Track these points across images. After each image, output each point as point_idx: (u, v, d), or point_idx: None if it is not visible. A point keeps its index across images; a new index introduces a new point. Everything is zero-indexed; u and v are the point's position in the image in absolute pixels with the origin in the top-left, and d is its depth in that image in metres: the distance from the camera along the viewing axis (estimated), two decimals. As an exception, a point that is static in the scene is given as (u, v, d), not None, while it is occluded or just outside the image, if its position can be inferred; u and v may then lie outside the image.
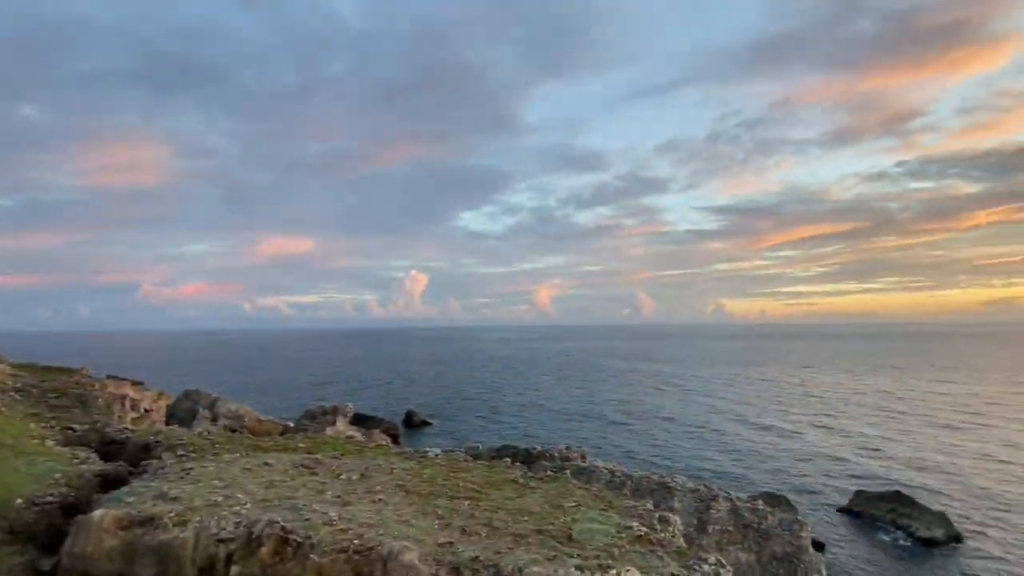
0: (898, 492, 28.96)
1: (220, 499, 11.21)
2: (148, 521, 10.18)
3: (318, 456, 16.27)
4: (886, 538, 26.43)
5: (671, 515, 12.58)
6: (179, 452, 15.23)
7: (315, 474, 14.56)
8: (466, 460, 18.23)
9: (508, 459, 20.92)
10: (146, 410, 28.84)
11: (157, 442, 16.69)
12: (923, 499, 30.15)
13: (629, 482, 20.11)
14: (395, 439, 43.19)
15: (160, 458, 14.77)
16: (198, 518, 10.20)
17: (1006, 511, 29.58)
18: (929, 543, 25.26)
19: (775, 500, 29.33)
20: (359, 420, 45.51)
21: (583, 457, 25.88)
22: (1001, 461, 39.65)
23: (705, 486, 18.75)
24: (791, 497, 31.57)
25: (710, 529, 17.24)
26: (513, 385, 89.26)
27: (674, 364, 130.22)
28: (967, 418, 56.74)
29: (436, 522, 11.44)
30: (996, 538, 26.16)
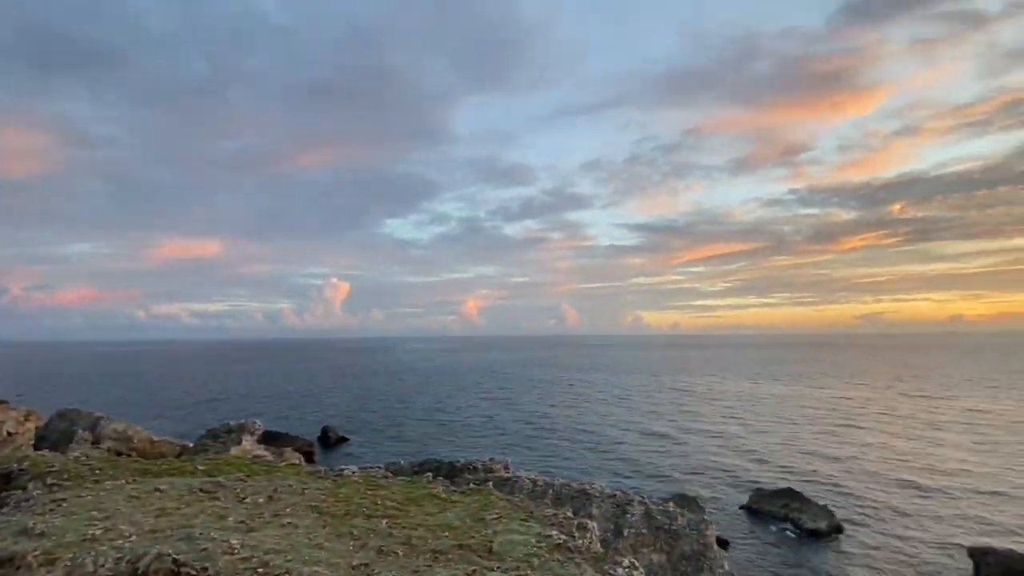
0: (790, 489, 31.79)
1: (99, 532, 9.97)
2: (8, 562, 8.82)
3: (219, 479, 15.00)
4: (779, 531, 28.85)
5: (589, 521, 12.90)
6: (49, 481, 13.39)
7: (215, 499, 13.39)
8: (386, 477, 17.61)
9: (430, 473, 20.50)
10: (9, 433, 25.11)
11: (22, 470, 14.57)
12: (811, 494, 33.31)
13: (550, 491, 20.40)
14: (309, 457, 40.85)
15: (25, 488, 12.90)
16: (70, 555, 8.99)
17: (880, 502, 33.40)
18: (814, 534, 27.92)
19: (686, 501, 31.07)
20: (269, 438, 42.59)
21: (506, 468, 25.90)
22: (876, 458, 44.79)
23: (622, 491, 19.49)
24: (700, 497, 33.67)
25: (626, 533, 17.88)
26: (437, 397, 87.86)
27: (595, 373, 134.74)
28: (847, 419, 63.59)
29: (351, 543, 10.91)
30: (872, 527, 29.41)
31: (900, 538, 27.81)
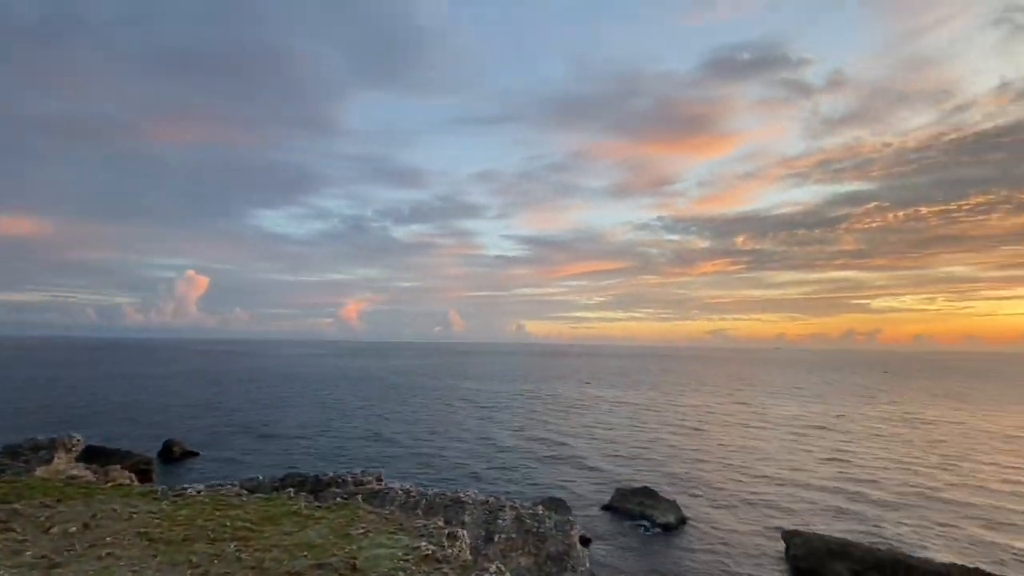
0: (646, 487, 34.77)
1: None
2: None
3: (17, 506, 12.46)
4: (635, 527, 31.37)
5: (459, 530, 12.86)
6: None
7: (10, 530, 11.08)
8: (240, 495, 15.95)
9: (292, 489, 18.99)
10: None
11: None
12: (663, 491, 36.81)
13: (424, 501, 20.02)
14: (146, 476, 35.57)
15: None
16: None
17: (718, 495, 37.92)
18: (665, 528, 30.82)
19: (554, 504, 32.44)
20: (94, 455, 36.31)
21: (378, 479, 24.91)
22: (715, 457, 50.82)
23: (495, 498, 19.79)
24: (568, 499, 35.43)
25: (496, 538, 18.13)
26: (306, 406, 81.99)
27: (477, 380, 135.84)
28: (694, 423, 71.45)
29: (189, 572, 9.66)
30: (710, 517, 33.20)
31: (732, 526, 31.77)
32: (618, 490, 35.94)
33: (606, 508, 34.48)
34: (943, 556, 26.44)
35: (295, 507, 14.46)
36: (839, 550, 23.77)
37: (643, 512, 32.51)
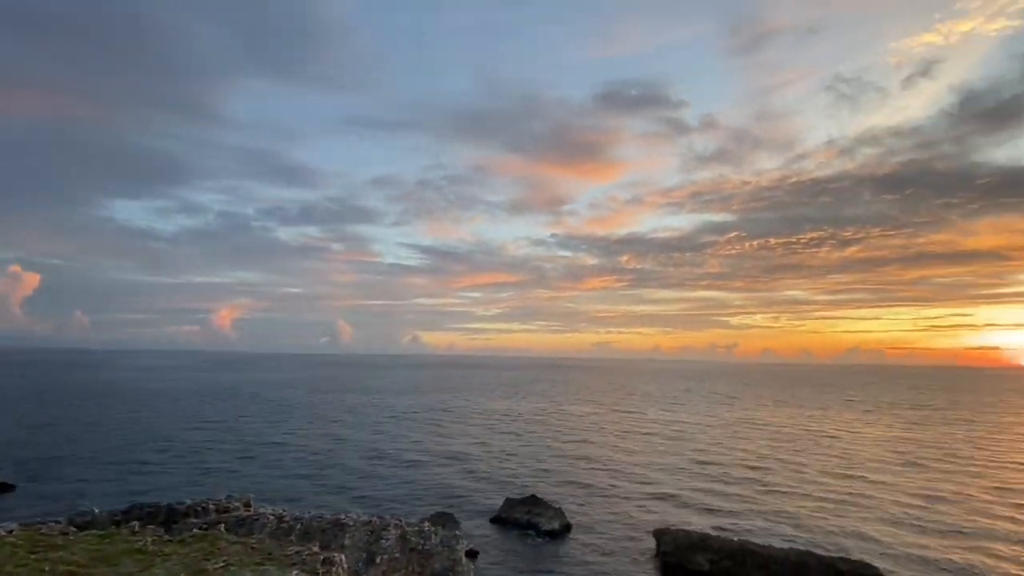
0: (533, 496, 35.55)
1: None
2: None
3: None
4: (523, 535, 31.87)
5: (337, 555, 12.06)
6: None
7: None
8: (64, 533, 13.53)
9: (138, 522, 16.56)
10: None
11: None
12: (550, 498, 37.92)
13: (299, 525, 18.52)
14: (-65, 518, 28.74)
15: None
16: None
17: (598, 499, 39.91)
18: (551, 534, 31.70)
19: (443, 519, 31.85)
20: None
21: (247, 505, 22.65)
22: (597, 462, 53.53)
23: (379, 517, 18.89)
24: (457, 513, 35.01)
25: (379, 560, 17.30)
26: (161, 425, 72.32)
27: (366, 394, 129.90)
28: (580, 431, 74.87)
29: (-16, 635, 7.93)
30: (592, 519, 34.78)
31: (612, 527, 33.58)
32: (507, 500, 36.30)
33: (495, 519, 34.63)
34: (784, 543, 30.32)
35: (139, 543, 12.59)
36: (700, 543, 26.20)
37: (530, 520, 33.14)
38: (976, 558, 29.50)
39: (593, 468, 50.50)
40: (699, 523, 33.88)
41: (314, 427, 73.51)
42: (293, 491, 40.52)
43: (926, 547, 31.24)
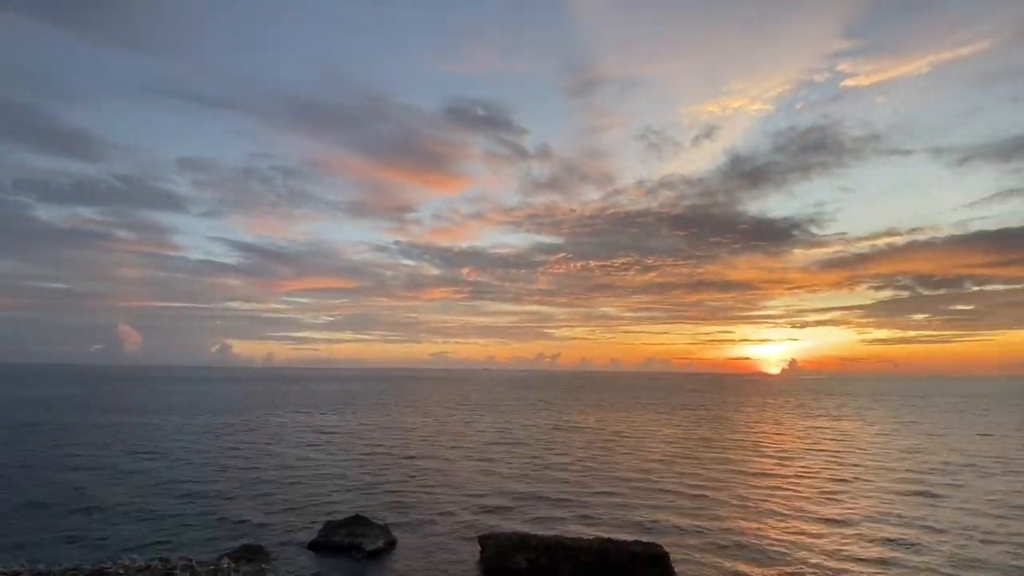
0: (357, 515, 33.84)
1: None
2: None
3: None
4: (344, 559, 30.05)
5: (97, 614, 9.93)
6: None
7: None
8: None
9: None
10: None
11: None
12: (376, 517, 36.47)
13: (45, 585, 14.78)
14: None
15: None
16: None
17: (425, 512, 39.64)
18: (373, 554, 30.47)
19: (249, 552, 28.44)
20: None
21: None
22: (431, 475, 53.20)
23: (162, 559, 16.04)
24: (268, 544, 31.51)
25: (160, 612, 14.68)
26: None
27: (153, 415, 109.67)
28: (411, 444, 73.75)
29: None
30: (419, 534, 34.34)
31: (438, 539, 33.61)
32: (327, 524, 33.94)
33: (313, 545, 32.05)
34: (591, 534, 33.74)
35: None
36: (520, 543, 27.76)
37: (352, 542, 31.45)
38: (746, 531, 36.48)
39: (422, 481, 50.09)
40: (523, 525, 35.88)
41: (74, 456, 59.38)
42: (43, 537, 32.11)
43: (706, 527, 37.55)
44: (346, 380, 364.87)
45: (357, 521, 33.23)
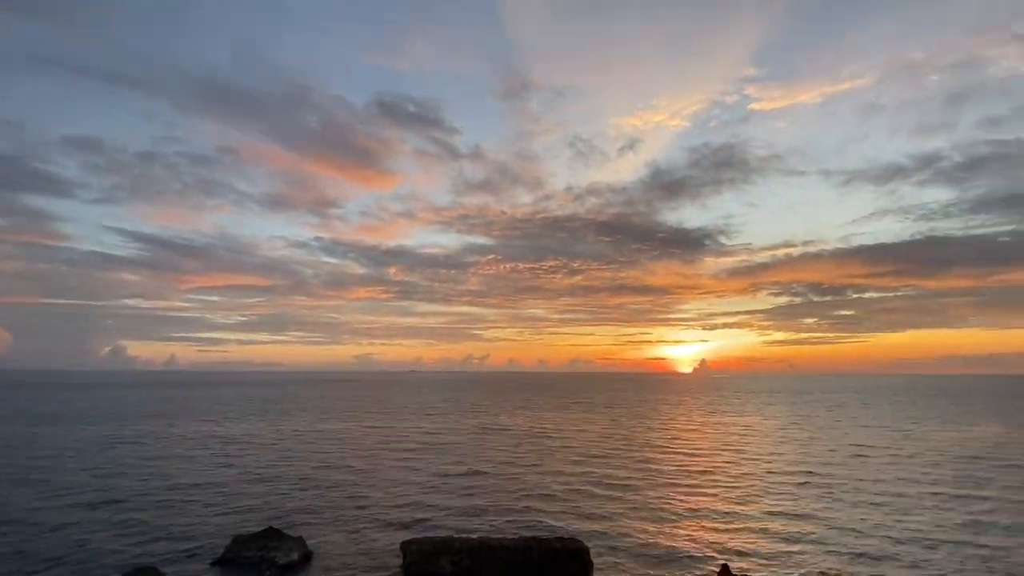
0: (270, 528, 31.77)
1: None
2: None
3: None
4: (256, 575, 28.09)
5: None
6: None
7: None
8: None
9: None
10: None
11: None
12: (290, 529, 34.46)
13: None
14: None
15: None
16: None
17: (343, 518, 38.00)
18: (287, 568, 28.76)
19: (144, 574, 25.90)
20: None
21: None
22: (349, 484, 51.12)
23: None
24: (167, 564, 28.77)
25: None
26: None
27: (25, 425, 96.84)
28: (328, 450, 70.57)
29: None
30: (341, 546, 32.85)
31: (358, 549, 32.33)
32: (235, 539, 31.59)
33: (219, 562, 29.69)
34: (513, 533, 33.97)
35: None
36: (443, 547, 27.38)
37: (264, 556, 29.50)
38: (663, 524, 38.22)
39: (342, 490, 48.04)
40: (449, 530, 35.40)
41: (-70, 479, 50.85)
42: None
43: (624, 522, 38.99)
44: (260, 384, 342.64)
45: (269, 534, 31.20)
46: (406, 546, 29.25)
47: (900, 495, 45.42)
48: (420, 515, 39.66)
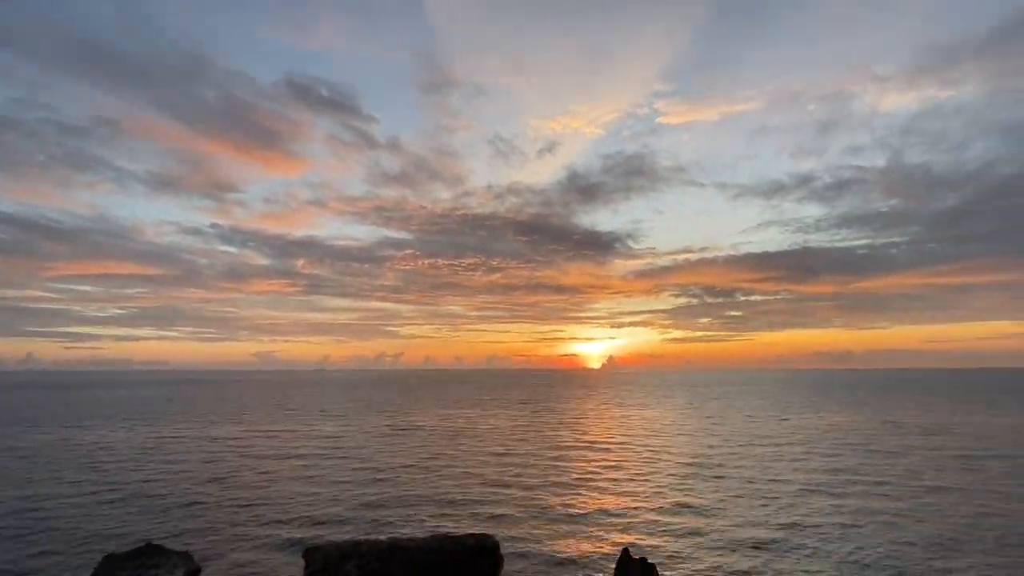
0: (149, 544, 28.51)
1: None
2: None
3: None
4: (127, 600, 24.99)
5: None
6: None
7: None
8: None
9: None
10: None
11: None
12: (175, 544, 31.16)
13: None
14: None
15: None
16: None
17: (242, 534, 35.07)
18: (170, 587, 25.89)
19: (153, 550, 22.14)
20: None
21: None
22: (241, 492, 47.33)
23: None
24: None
25: None
26: None
27: None
28: (216, 458, 65.01)
29: None
30: (234, 559, 30.22)
31: (250, 561, 29.97)
32: (107, 557, 27.98)
33: (84, 587, 26.09)
34: (426, 532, 33.35)
35: None
36: (350, 551, 26.15)
37: (143, 574, 26.39)
38: (572, 516, 39.30)
39: (235, 499, 44.35)
40: (354, 533, 33.93)
41: None
42: None
43: (537, 515, 39.66)
44: (141, 385, 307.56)
45: (148, 551, 27.95)
46: (310, 554, 27.55)
47: (787, 481, 50.70)
48: (325, 522, 37.61)
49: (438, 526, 35.57)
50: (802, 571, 28.06)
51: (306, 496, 44.87)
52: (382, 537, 30.18)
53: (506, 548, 30.07)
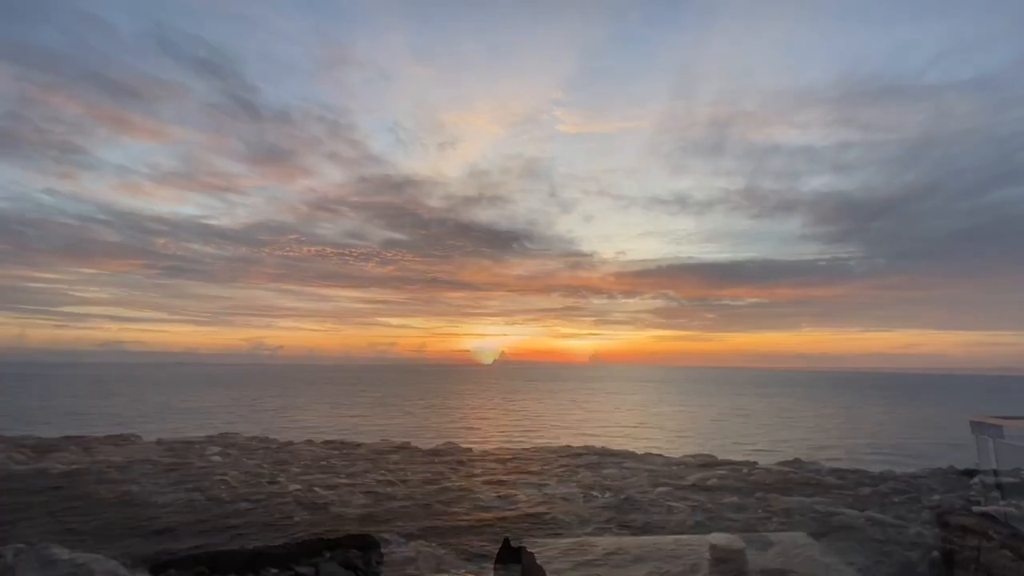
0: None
1: None
2: None
3: None
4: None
5: None
6: None
7: None
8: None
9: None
10: None
11: None
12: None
13: None
14: None
15: None
16: None
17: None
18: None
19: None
20: None
21: None
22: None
23: None
24: None
25: None
26: None
27: None
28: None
29: None
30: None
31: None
32: None
33: None
34: (294, 537, 31.38)
35: None
36: (209, 565, 23.77)
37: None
38: (458, 511, 39.29)
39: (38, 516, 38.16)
40: (211, 546, 30.88)
41: None
42: None
43: (421, 511, 39.16)
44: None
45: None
46: (159, 570, 24.54)
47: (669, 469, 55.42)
48: (165, 535, 33.70)
49: (317, 526, 33.58)
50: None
51: (142, 520, 39.70)
52: (249, 546, 27.79)
53: (388, 547, 29.32)
